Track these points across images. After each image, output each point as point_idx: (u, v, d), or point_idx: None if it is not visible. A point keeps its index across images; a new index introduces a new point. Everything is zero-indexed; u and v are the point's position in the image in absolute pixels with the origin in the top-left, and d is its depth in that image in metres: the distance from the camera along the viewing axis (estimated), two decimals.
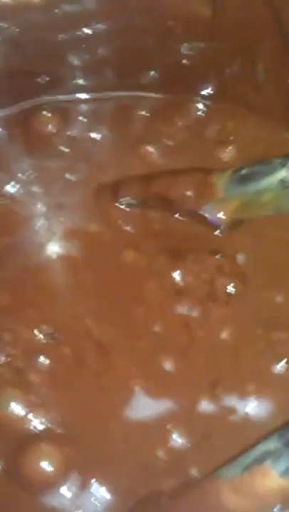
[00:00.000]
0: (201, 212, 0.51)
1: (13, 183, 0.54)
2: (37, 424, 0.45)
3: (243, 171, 0.50)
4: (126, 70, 0.56)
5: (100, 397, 0.46)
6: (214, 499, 0.37)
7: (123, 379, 0.47)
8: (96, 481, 0.44)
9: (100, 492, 0.44)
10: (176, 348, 0.48)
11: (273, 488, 0.35)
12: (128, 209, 0.53)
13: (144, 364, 0.47)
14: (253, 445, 0.40)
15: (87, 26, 0.52)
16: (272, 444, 0.38)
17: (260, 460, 0.37)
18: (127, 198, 0.53)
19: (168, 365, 0.47)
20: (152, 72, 0.56)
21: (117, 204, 0.53)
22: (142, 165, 0.54)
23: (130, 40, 0.53)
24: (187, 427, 0.45)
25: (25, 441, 0.44)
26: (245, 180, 0.50)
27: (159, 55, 0.54)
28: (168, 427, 0.45)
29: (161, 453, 0.44)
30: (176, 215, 0.52)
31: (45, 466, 0.44)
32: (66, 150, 0.56)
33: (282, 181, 0.49)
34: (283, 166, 0.49)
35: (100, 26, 0.52)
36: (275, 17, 0.48)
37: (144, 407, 0.46)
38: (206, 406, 0.46)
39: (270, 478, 0.35)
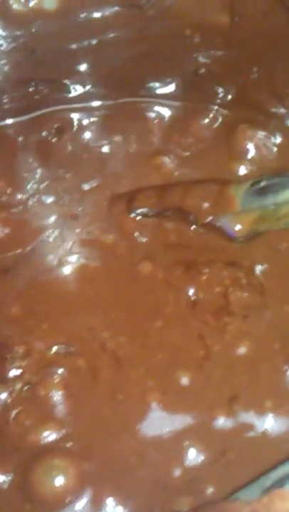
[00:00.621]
0: (217, 224, 0.51)
1: (26, 193, 0.54)
2: (50, 437, 0.45)
3: (262, 183, 0.50)
4: (142, 79, 0.55)
5: (116, 411, 0.46)
6: None
7: (139, 393, 0.46)
8: (111, 498, 0.43)
9: (115, 511, 0.43)
10: (192, 363, 0.47)
11: None
12: (143, 220, 0.52)
13: (161, 378, 0.47)
14: (272, 464, 0.39)
15: (103, 35, 0.51)
16: None
17: (280, 483, 0.37)
18: (143, 209, 0.52)
19: (184, 380, 0.47)
20: (169, 81, 0.55)
21: (132, 215, 0.52)
22: (158, 175, 0.54)
23: (147, 49, 0.53)
24: (204, 444, 0.45)
25: (38, 455, 0.44)
26: (263, 192, 0.49)
27: (177, 64, 0.54)
28: (184, 443, 0.45)
29: (177, 470, 0.44)
30: (192, 227, 0.52)
31: (58, 481, 0.43)
32: (80, 159, 0.55)
33: None
34: None
35: (116, 35, 0.51)
36: None
37: (161, 422, 0.45)
38: (223, 422, 0.45)
39: None
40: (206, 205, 0.50)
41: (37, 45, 0.51)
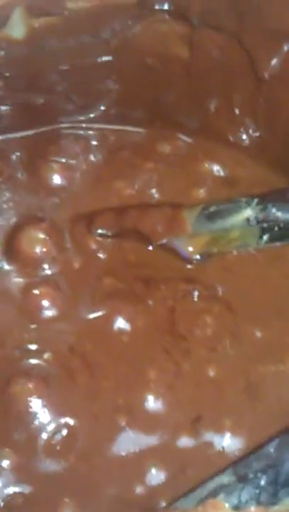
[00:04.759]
0: (171, 246, 0.52)
1: None
2: None
3: (211, 208, 0.52)
4: (109, 104, 0.57)
5: (93, 428, 0.47)
6: None
7: (111, 410, 0.47)
8: None
9: None
10: (161, 381, 0.49)
11: None
12: (103, 240, 0.54)
13: (128, 395, 0.48)
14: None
15: (70, 62, 0.52)
16: (226, 478, 0.39)
17: (214, 493, 0.38)
18: (102, 230, 0.54)
19: (151, 400, 0.48)
20: (133, 108, 0.57)
21: (92, 235, 0.54)
22: (117, 198, 0.55)
23: (112, 77, 0.54)
24: (165, 463, 0.46)
25: None
26: (212, 217, 0.52)
27: (140, 92, 0.55)
28: (147, 462, 0.46)
29: (139, 488, 0.45)
30: (150, 247, 0.53)
31: None
32: (44, 184, 0.56)
33: (248, 220, 0.51)
34: (248, 205, 0.51)
35: (83, 62, 0.53)
36: (249, 58, 0.49)
37: (127, 443, 0.46)
38: (185, 441, 0.47)
39: None
40: (160, 227, 0.52)
41: (6, 70, 0.52)
